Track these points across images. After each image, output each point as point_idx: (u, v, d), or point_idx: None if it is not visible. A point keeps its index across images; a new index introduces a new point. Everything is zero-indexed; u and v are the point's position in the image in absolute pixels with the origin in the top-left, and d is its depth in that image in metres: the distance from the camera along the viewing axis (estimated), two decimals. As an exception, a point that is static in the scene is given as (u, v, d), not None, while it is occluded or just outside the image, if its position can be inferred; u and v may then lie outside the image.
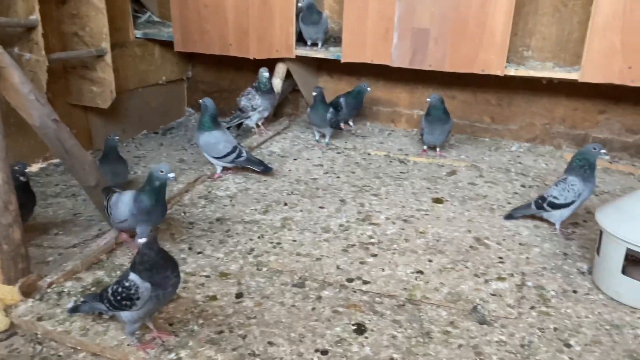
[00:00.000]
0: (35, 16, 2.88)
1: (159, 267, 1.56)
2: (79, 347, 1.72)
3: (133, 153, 3.77)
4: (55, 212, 2.82)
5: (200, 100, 3.02)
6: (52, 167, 3.46)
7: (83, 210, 2.84)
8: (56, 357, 1.69)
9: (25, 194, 2.36)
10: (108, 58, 3.40)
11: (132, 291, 1.54)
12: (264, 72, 3.50)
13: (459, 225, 2.60)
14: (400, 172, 3.24)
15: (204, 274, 2.15)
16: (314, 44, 3.74)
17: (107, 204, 2.25)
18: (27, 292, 1.90)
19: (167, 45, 4.13)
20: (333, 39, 4.00)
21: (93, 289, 2.01)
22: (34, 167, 3.41)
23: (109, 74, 3.43)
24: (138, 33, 4.01)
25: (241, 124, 3.68)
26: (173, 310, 1.90)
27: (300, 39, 3.77)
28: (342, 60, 3.60)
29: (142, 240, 1.51)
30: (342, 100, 3.74)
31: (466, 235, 2.51)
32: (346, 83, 4.12)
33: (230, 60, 4.03)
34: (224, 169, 3.07)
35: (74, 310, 1.80)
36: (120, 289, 1.57)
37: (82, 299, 1.84)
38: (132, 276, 1.55)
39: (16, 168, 2.31)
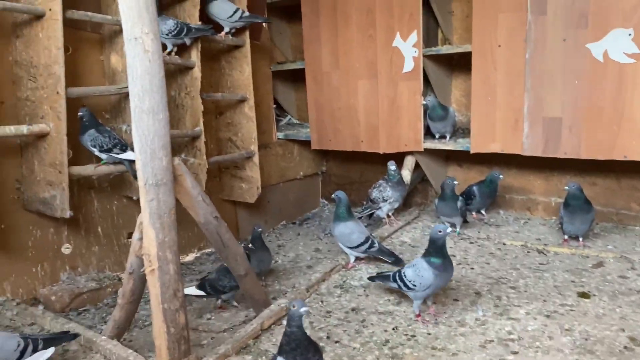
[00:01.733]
0: (200, 127, 3.41)
1: (303, 347, 1.69)
2: None
3: (274, 242, 4.08)
4: (208, 298, 3.13)
5: (333, 195, 3.24)
6: (204, 256, 3.87)
7: (231, 297, 3.12)
8: None
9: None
10: (256, 158, 3.84)
11: (280, 376, 1.67)
12: (392, 166, 3.68)
13: (610, 323, 2.40)
14: (540, 264, 3.11)
15: (342, 363, 2.23)
16: (442, 137, 3.87)
17: (398, 279, 2.53)
18: (187, 372, 2.13)
19: (305, 144, 4.54)
20: (461, 130, 4.10)
21: (242, 372, 2.19)
22: (190, 257, 3.85)
23: (256, 173, 3.85)
24: (280, 134, 4.49)
25: (372, 214, 3.84)
26: (313, 398, 1.99)
27: (429, 132, 3.92)
28: (472, 152, 3.66)
29: (305, 309, 1.66)
30: (475, 188, 3.75)
31: (619, 334, 2.30)
32: (476, 172, 4.14)
33: (361, 155, 4.30)
34: (357, 258, 3.20)
35: None
36: (269, 374, 1.71)
37: None
38: (279, 359, 1.70)
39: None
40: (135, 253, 2.22)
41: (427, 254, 2.48)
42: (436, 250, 2.44)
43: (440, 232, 2.42)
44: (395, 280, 2.58)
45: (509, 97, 3.46)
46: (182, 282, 2.16)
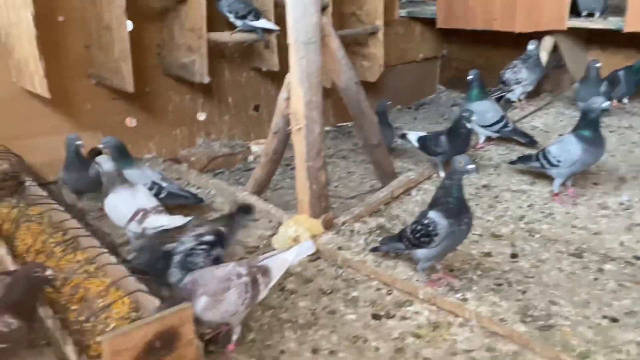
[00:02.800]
0: (327, -3, 3.31)
1: (457, 202, 1.70)
2: (372, 276, 1.98)
3: (390, 125, 4.04)
4: (333, 170, 3.23)
5: (469, 73, 3.06)
6: (324, 132, 3.94)
7: (355, 170, 3.21)
8: (354, 281, 1.98)
9: None
10: (380, 35, 3.70)
11: (431, 228, 1.71)
12: (531, 45, 3.40)
13: None
14: (693, 155, 2.84)
15: (477, 232, 2.24)
16: (590, 15, 3.47)
17: (541, 157, 2.44)
18: (327, 226, 2.25)
19: (428, 23, 4.29)
20: (610, 8, 3.65)
21: (377, 231, 2.27)
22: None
23: (380, 50, 3.74)
24: (402, 12, 4.26)
25: (501, 97, 3.63)
26: (451, 260, 2.04)
27: (573, 10, 3.53)
28: (625, 30, 3.27)
29: (472, 167, 1.67)
30: (621, 74, 3.40)
31: None
32: (622, 57, 3.72)
33: (488, 37, 4.00)
34: (487, 139, 3.09)
35: (375, 250, 2.05)
36: (419, 227, 1.76)
37: (381, 241, 2.05)
38: (432, 214, 1.73)
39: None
40: (282, 112, 2.29)
41: (576, 129, 2.34)
42: (587, 123, 2.30)
43: (595, 104, 2.27)
44: (537, 159, 2.48)
45: (683, -36, 2.98)
46: (324, 143, 2.22)
